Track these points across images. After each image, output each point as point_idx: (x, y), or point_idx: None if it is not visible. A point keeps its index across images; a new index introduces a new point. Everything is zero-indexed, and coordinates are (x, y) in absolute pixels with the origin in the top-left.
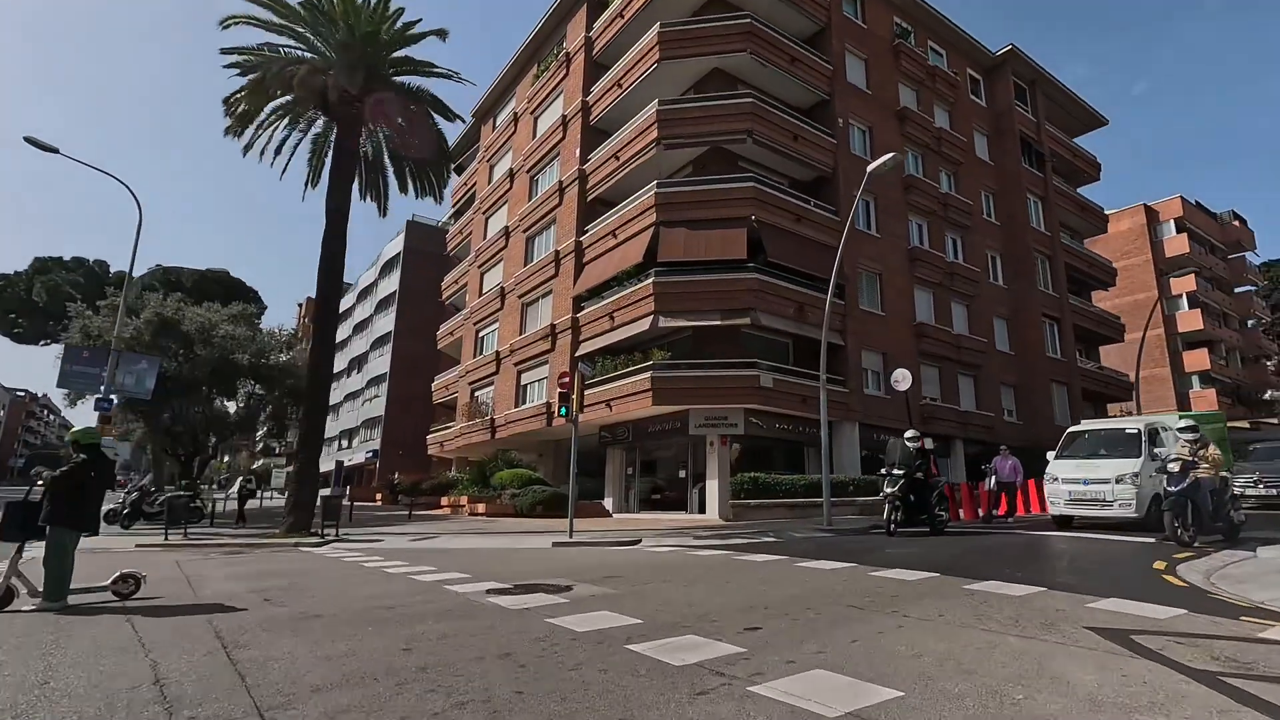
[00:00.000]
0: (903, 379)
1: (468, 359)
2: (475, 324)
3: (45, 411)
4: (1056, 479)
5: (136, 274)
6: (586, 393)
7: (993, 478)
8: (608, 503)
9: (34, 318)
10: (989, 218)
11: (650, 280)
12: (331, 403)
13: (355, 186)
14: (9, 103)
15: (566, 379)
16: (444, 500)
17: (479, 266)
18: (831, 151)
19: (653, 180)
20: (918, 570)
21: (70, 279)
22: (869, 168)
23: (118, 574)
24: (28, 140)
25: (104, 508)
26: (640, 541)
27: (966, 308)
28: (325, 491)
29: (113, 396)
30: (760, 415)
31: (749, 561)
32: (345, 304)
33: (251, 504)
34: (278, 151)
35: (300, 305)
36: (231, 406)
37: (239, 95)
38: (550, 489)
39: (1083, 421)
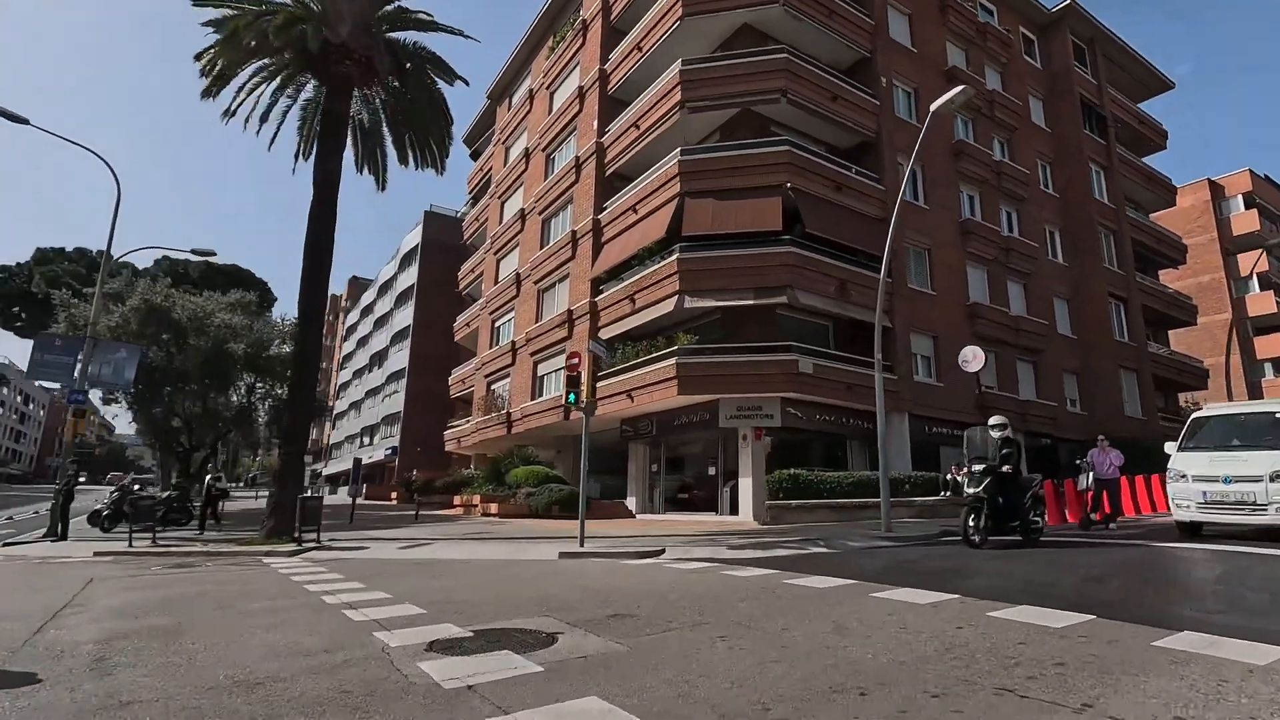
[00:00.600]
0: (973, 358)
1: (484, 350)
2: (491, 314)
3: (89, 412)
4: (1185, 475)
5: (143, 266)
6: (606, 383)
7: (1089, 474)
8: (630, 502)
9: (35, 310)
10: (1046, 188)
11: (675, 257)
12: (353, 399)
13: (352, 158)
14: (53, 107)
15: (575, 360)
16: (457, 499)
17: (494, 253)
18: (874, 114)
19: (676, 149)
20: (1056, 608)
21: (71, 269)
22: (934, 105)
23: None
24: None
25: (97, 508)
26: (663, 552)
27: (1024, 286)
28: (333, 491)
29: (90, 389)
30: (798, 405)
31: (806, 589)
32: (367, 299)
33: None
34: (264, 119)
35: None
36: (233, 400)
37: (212, 50)
38: (568, 488)
39: (1208, 406)
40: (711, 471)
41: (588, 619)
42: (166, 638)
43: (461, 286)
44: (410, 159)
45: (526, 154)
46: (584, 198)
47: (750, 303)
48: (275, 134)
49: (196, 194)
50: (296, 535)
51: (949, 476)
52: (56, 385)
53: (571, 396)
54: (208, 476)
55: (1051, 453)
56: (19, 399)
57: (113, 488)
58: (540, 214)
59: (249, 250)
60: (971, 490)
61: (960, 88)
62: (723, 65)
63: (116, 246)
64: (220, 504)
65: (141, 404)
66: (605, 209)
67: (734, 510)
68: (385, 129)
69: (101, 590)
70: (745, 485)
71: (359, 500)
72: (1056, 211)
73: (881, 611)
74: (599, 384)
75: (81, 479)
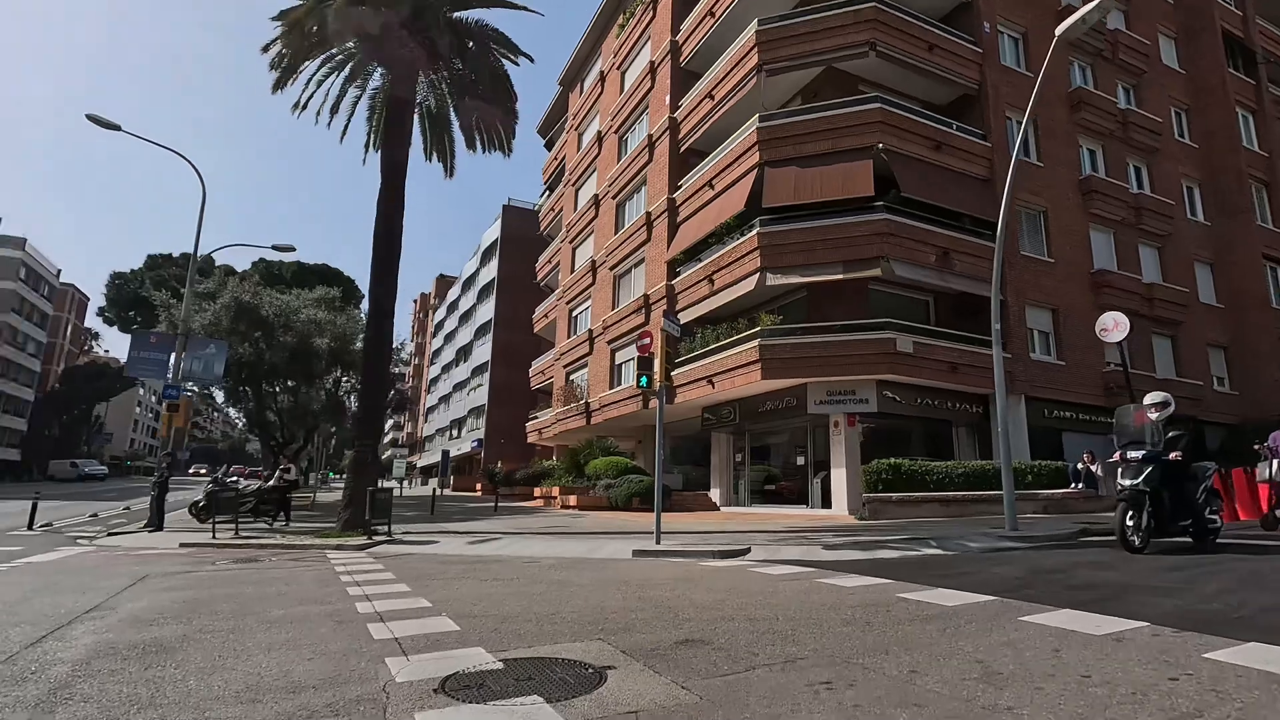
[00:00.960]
0: (1114, 325)
1: (562, 340)
2: (568, 303)
3: (208, 408)
4: None
5: (242, 268)
6: (685, 369)
7: (1274, 462)
8: (714, 494)
9: (147, 313)
10: (1183, 138)
11: (755, 231)
12: (442, 394)
13: (420, 146)
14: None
15: (647, 340)
16: (537, 491)
17: (570, 242)
18: (976, 63)
19: (754, 116)
20: None
21: (176, 273)
22: (1059, 29)
23: None
24: (90, 118)
25: (195, 499)
26: (749, 551)
27: (1158, 251)
28: (411, 481)
29: (190, 384)
30: (896, 389)
31: (929, 607)
32: (452, 295)
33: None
34: (334, 111)
35: (415, 301)
36: (320, 393)
37: (278, 41)
38: (648, 479)
39: None
40: (800, 461)
41: (651, 646)
42: (154, 657)
43: (539, 277)
44: (477, 143)
45: (599, 137)
46: (658, 177)
47: (839, 277)
48: (346, 125)
49: (279, 195)
50: (368, 528)
51: (1079, 466)
52: (156, 381)
53: (644, 380)
54: (279, 468)
55: (1197, 442)
56: (153, 398)
57: (208, 480)
58: (614, 198)
59: (335, 250)
60: (1128, 482)
61: (1094, 3)
62: (804, 21)
63: (220, 253)
64: (290, 493)
65: (235, 398)
66: (680, 187)
67: (826, 503)
68: (452, 113)
69: (143, 589)
70: (838, 476)
71: (446, 491)
72: (1196, 164)
73: (1043, 646)
74: (677, 370)
75: (202, 471)
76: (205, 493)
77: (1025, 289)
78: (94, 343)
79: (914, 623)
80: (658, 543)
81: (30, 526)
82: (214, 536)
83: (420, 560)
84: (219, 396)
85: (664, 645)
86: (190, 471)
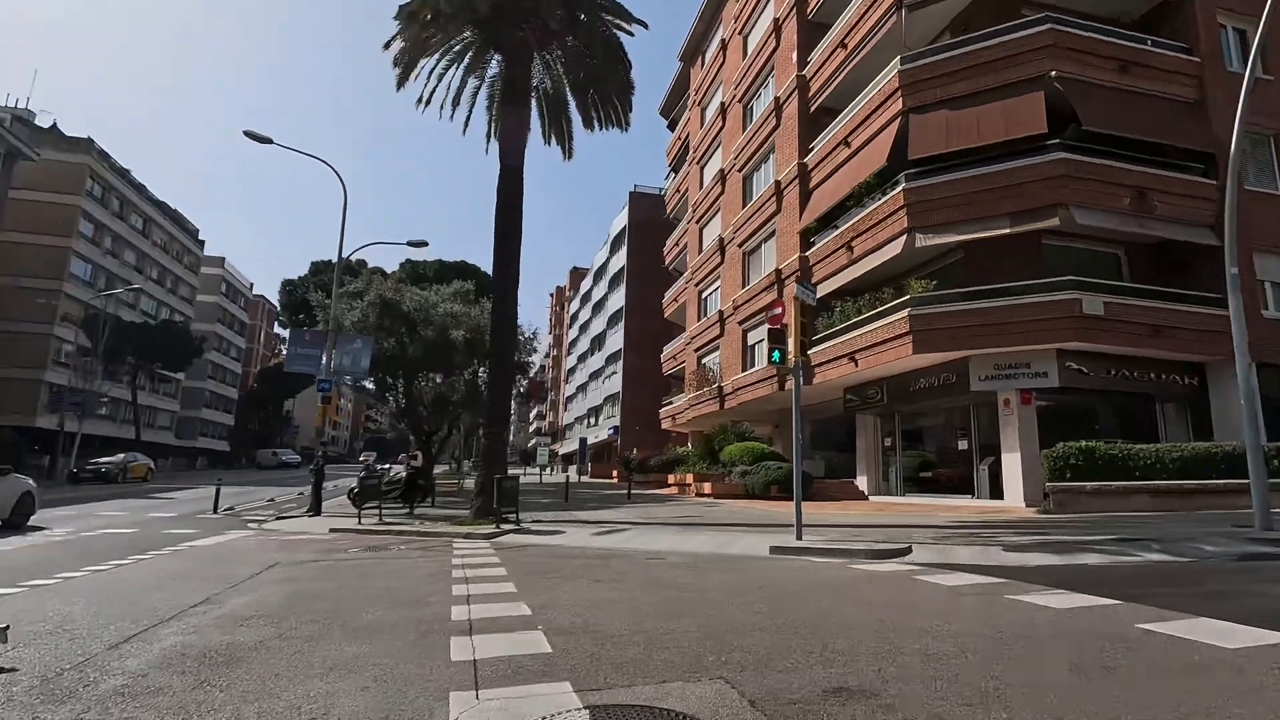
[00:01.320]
0: None
1: (692, 324)
2: (697, 285)
3: (363, 400)
4: None
5: (390, 269)
6: (824, 346)
7: None
8: (861, 482)
9: (310, 315)
10: None
11: (900, 188)
12: (579, 383)
13: (538, 129)
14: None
15: (778, 311)
16: (671, 478)
17: (696, 222)
18: None
19: (894, 59)
20: None
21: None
22: None
23: None
24: (246, 134)
25: (351, 487)
26: (910, 551)
27: None
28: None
29: (345, 378)
30: (1083, 358)
31: (1199, 649)
32: (585, 286)
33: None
34: (455, 103)
35: (551, 295)
36: (458, 385)
37: (398, 36)
38: (786, 465)
39: None
40: (962, 446)
41: (791, 695)
42: (211, 672)
43: (668, 261)
44: (595, 120)
45: (722, 110)
46: (786, 142)
47: (1006, 232)
48: (468, 117)
49: (419, 200)
50: (498, 516)
51: None
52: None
53: (776, 355)
54: (408, 456)
55: None
56: (340, 398)
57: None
58: (740, 170)
59: (472, 248)
60: None
61: None
62: None
63: (372, 257)
64: (416, 483)
65: (383, 391)
66: (811, 150)
67: (996, 493)
68: (569, 94)
69: (261, 581)
70: (1011, 462)
71: (584, 478)
72: None
73: None
74: (815, 348)
75: (373, 458)
76: (360, 481)
77: (1253, 232)
78: (281, 346)
79: (1184, 675)
80: (799, 538)
81: (215, 510)
82: (359, 522)
83: (539, 553)
84: (369, 387)
85: (809, 695)
86: (360, 459)
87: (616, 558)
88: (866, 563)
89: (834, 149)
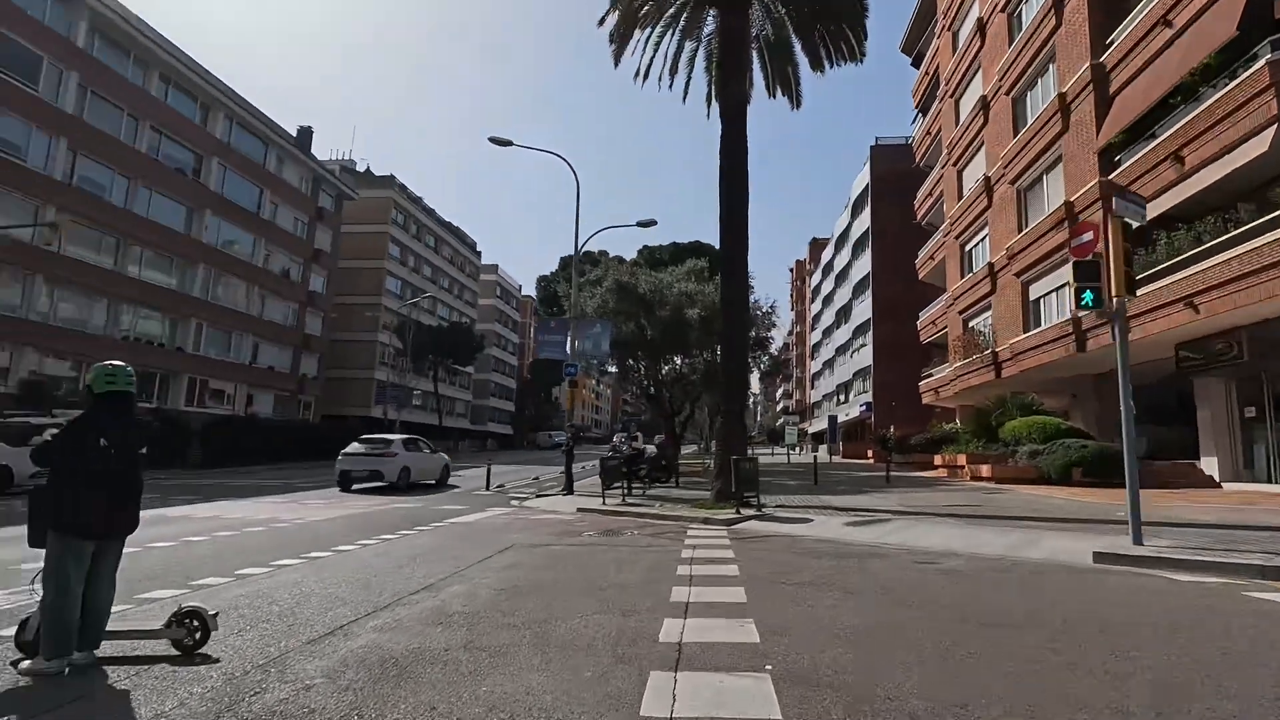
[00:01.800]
0: None
1: (953, 283)
2: (957, 238)
3: (605, 382)
4: None
5: (629, 256)
6: (1146, 290)
7: None
8: (1207, 465)
9: (562, 307)
10: None
11: (1265, 60)
12: (825, 359)
13: (762, 87)
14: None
15: (1088, 237)
16: (937, 459)
17: (953, 164)
18: None
19: None
20: None
21: (579, 268)
22: None
23: (174, 612)
24: (491, 140)
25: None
26: None
27: None
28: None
29: (592, 361)
30: None
31: None
32: (826, 256)
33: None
34: (673, 71)
35: (791, 269)
36: (697, 364)
37: (612, 10)
38: (1092, 444)
39: None
40: None
41: None
42: (374, 689)
43: (920, 216)
44: (825, 57)
45: (980, 25)
46: (1071, 43)
47: None
48: (687, 82)
49: (649, 185)
50: (738, 500)
51: None
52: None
53: (1088, 296)
54: (628, 438)
55: None
56: (592, 380)
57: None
58: (1008, 93)
59: (705, 228)
60: None
61: None
62: None
63: (612, 246)
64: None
65: (625, 373)
66: (1109, 47)
67: None
68: (792, 35)
69: (489, 566)
70: None
71: (835, 459)
72: None
73: None
74: (1140, 289)
75: (622, 439)
76: (599, 461)
77: None
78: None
79: None
80: (1137, 542)
81: (487, 487)
82: (604, 503)
83: (781, 547)
84: (612, 370)
85: None
86: (615, 440)
87: (875, 557)
88: (1265, 587)
89: (1146, 34)
